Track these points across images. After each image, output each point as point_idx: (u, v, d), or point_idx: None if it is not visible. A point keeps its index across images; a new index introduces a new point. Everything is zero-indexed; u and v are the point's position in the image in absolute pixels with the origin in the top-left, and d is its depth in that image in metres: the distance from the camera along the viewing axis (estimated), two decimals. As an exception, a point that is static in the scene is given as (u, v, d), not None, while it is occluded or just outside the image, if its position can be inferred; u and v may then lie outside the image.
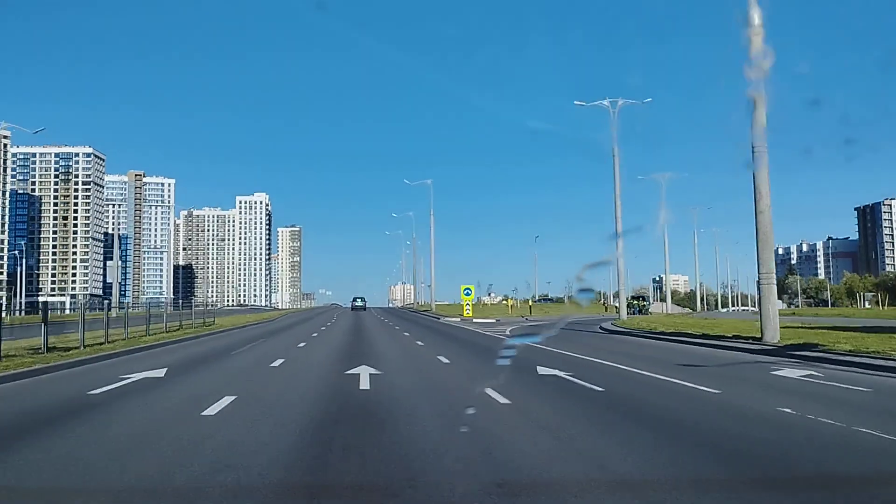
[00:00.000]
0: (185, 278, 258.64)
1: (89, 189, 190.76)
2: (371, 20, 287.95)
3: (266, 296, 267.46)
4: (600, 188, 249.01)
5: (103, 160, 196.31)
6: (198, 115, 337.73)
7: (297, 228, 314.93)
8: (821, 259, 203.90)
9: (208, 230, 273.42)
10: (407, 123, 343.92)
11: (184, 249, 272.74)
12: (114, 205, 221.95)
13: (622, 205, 41.72)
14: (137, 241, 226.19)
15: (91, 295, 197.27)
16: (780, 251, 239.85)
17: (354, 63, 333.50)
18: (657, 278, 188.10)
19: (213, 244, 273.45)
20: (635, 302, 72.74)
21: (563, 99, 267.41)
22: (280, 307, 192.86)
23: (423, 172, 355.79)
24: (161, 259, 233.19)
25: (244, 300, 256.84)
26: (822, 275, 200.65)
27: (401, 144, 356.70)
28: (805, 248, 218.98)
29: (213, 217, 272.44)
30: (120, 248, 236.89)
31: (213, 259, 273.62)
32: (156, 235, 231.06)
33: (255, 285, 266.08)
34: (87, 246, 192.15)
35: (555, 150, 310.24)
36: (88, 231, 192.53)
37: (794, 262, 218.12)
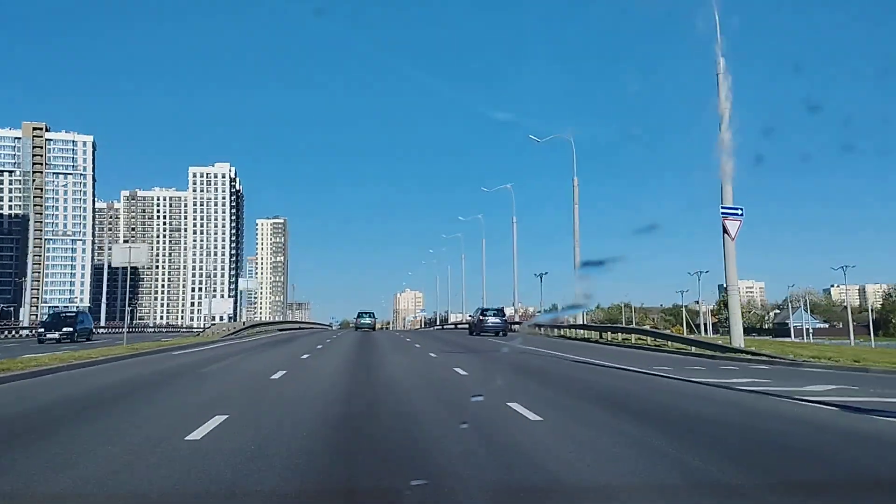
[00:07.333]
0: (128, 281, 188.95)
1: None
2: None
3: (236, 306, 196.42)
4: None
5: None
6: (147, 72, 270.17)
7: (282, 220, 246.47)
8: None
9: (159, 217, 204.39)
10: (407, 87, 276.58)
11: (125, 242, 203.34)
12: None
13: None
14: (39, 224, 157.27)
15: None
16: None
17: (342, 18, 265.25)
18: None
19: (164, 236, 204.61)
20: None
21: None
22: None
23: (424, 169, 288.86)
24: (75, 251, 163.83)
25: (204, 313, 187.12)
26: None
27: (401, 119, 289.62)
28: None
29: (165, 200, 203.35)
30: (9, 233, 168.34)
31: (164, 256, 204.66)
32: (67, 217, 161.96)
33: (214, 291, 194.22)
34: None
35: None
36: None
37: None
